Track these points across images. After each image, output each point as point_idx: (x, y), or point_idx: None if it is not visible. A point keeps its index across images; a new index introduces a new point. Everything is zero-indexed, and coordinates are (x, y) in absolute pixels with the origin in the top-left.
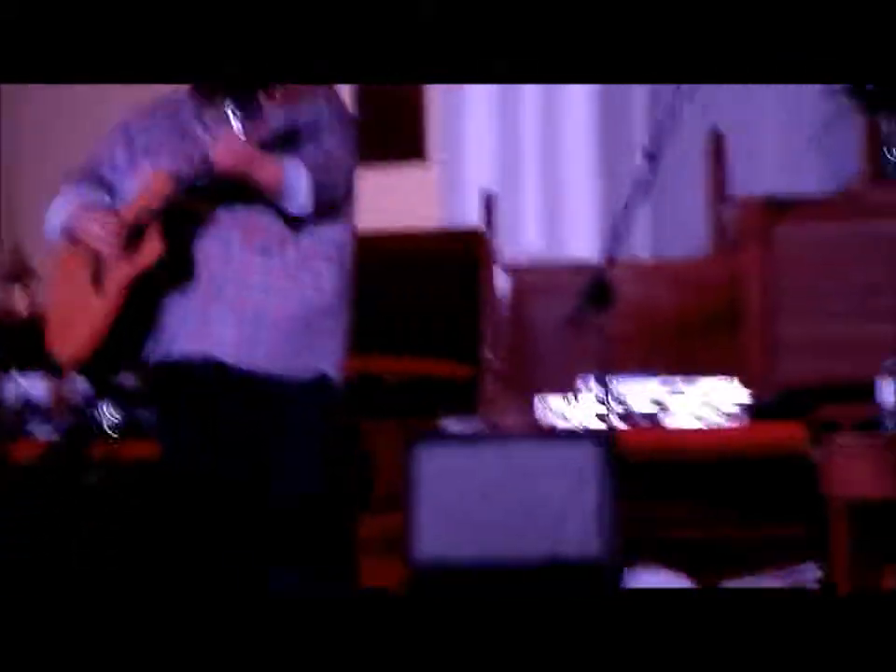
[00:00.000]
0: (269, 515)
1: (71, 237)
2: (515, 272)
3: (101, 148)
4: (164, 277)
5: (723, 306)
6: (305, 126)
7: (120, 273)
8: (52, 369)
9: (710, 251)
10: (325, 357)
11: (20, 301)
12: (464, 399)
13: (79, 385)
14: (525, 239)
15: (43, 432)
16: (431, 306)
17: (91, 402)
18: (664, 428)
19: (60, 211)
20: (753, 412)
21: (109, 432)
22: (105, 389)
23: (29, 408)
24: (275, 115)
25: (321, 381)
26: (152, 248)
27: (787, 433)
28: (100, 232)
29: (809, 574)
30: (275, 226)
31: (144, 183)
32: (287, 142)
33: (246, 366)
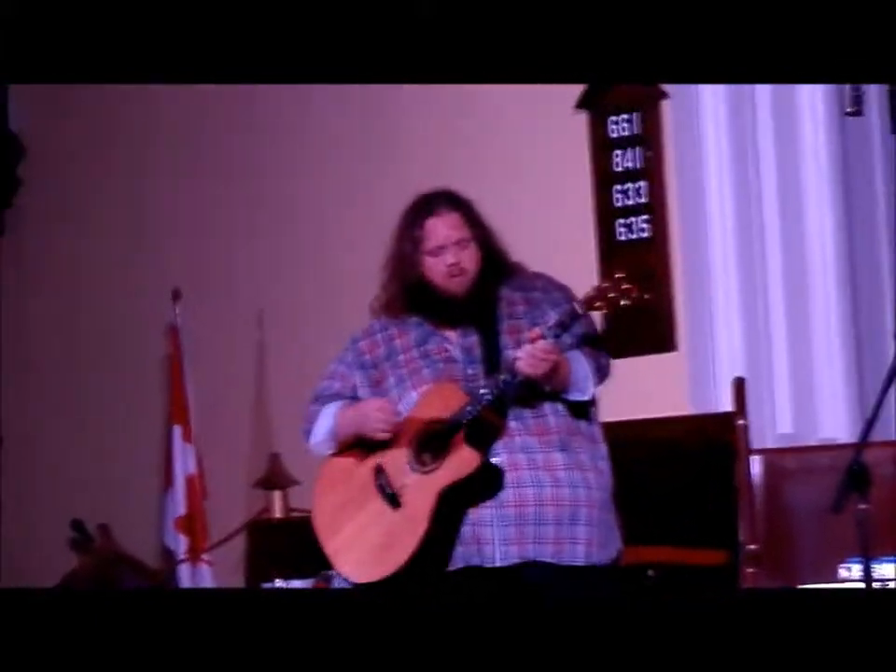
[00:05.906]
0: None
1: (344, 437)
2: (768, 455)
3: (336, 376)
4: (478, 487)
5: None
6: (566, 314)
7: (429, 485)
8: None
9: None
10: (617, 540)
11: (278, 507)
12: (722, 586)
13: None
14: (777, 422)
15: None
16: (685, 493)
17: None
18: None
19: (327, 419)
20: None
21: None
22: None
23: None
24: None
25: (615, 565)
26: (467, 460)
27: None
28: (380, 420)
29: None
30: (563, 422)
31: (426, 396)
32: (558, 331)
33: (568, 562)
